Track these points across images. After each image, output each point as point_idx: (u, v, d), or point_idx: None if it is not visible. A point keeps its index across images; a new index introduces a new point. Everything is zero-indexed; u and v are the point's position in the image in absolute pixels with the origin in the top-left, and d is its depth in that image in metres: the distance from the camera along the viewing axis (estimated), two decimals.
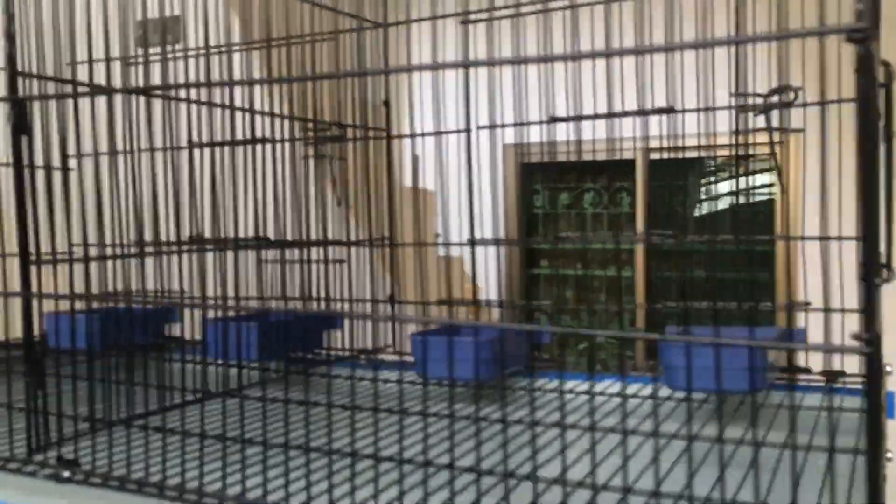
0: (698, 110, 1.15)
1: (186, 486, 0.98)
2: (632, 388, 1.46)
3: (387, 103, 1.77)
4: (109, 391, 1.19)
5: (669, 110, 1.26)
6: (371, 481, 0.93)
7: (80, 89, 1.13)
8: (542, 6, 1.52)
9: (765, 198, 4.26)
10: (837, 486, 0.81)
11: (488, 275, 4.45)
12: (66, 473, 1.03)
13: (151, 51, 2.09)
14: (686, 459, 0.89)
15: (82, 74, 1.21)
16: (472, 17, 1.63)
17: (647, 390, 1.45)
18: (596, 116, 1.18)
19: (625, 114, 1.29)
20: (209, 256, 1.35)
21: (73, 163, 1.25)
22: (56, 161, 1.10)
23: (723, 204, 4.41)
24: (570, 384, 1.51)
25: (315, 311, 1.80)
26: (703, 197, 4.57)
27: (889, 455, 0.75)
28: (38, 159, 1.10)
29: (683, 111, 1.45)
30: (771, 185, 4.26)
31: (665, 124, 1.19)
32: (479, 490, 0.90)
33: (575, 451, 1.04)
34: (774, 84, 1.40)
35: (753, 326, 1.53)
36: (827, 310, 1.17)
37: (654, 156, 4.26)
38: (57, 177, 1.11)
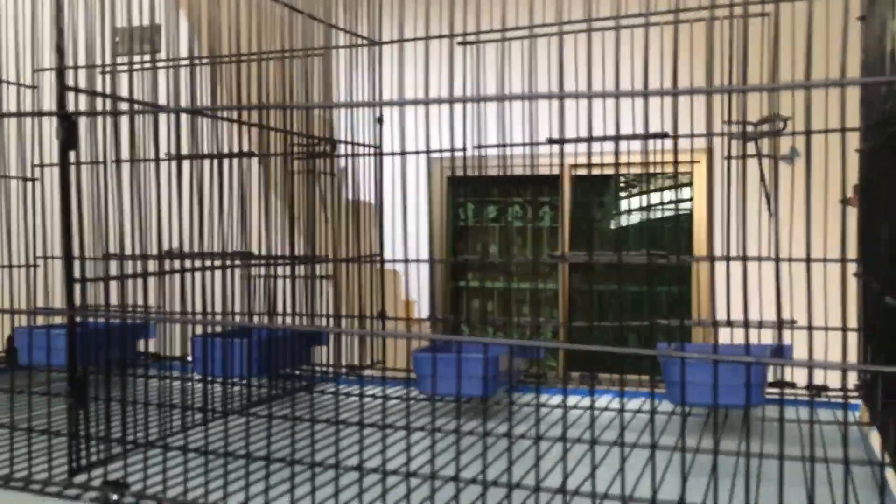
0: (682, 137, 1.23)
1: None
2: (634, 403, 1.53)
3: (380, 120, 1.79)
4: (136, 411, 1.18)
5: (664, 135, 1.34)
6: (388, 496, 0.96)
7: (133, 106, 1.12)
8: (529, 31, 1.58)
9: (686, 212, 4.47)
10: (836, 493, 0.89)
11: (420, 289, 4.52)
12: (115, 496, 1.02)
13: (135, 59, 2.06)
14: (680, 469, 0.95)
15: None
16: (462, 39, 1.68)
17: (647, 405, 1.52)
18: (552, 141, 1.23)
19: (631, 137, 1.36)
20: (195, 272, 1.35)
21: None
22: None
23: (637, 218, 4.59)
24: (571, 399, 1.57)
25: (321, 327, 1.80)
26: (619, 211, 4.73)
27: None
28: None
29: (676, 136, 1.53)
30: (690, 199, 4.47)
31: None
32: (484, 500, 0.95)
33: (576, 462, 1.10)
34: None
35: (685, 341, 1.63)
36: (812, 328, 1.27)
37: (579, 172, 4.37)
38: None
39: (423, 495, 0.99)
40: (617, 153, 1.13)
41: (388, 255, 1.99)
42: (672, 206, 4.40)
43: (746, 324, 1.51)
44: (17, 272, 2.01)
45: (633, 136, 1.27)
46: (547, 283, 5.13)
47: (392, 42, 1.73)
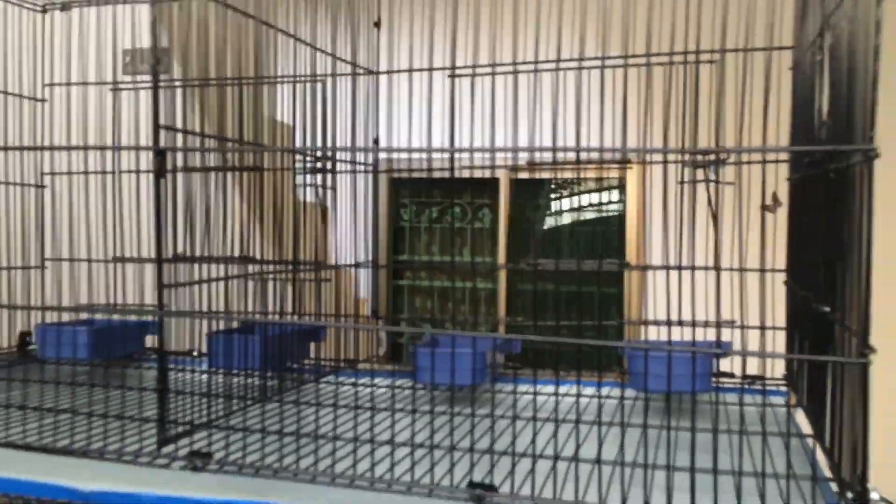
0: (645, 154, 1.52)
1: (313, 468, 1.22)
2: (604, 390, 1.81)
3: (376, 141, 2.03)
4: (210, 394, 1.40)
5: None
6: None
7: (210, 142, 1.34)
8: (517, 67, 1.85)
9: (615, 213, 4.84)
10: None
11: (369, 287, 4.75)
12: (200, 463, 1.24)
13: (140, 78, 2.25)
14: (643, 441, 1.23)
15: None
16: (458, 71, 1.94)
17: (616, 392, 1.80)
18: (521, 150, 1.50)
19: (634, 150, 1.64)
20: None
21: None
22: None
23: (569, 220, 4.94)
24: (548, 388, 1.84)
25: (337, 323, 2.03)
26: (554, 211, 5.06)
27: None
28: None
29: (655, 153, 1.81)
30: (620, 201, 4.84)
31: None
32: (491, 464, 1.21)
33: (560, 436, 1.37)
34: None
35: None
36: (758, 328, 1.57)
37: (520, 175, 4.65)
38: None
39: (442, 463, 1.25)
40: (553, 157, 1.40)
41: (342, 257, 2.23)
42: (605, 209, 4.76)
43: (694, 323, 1.80)
44: (26, 273, 2.19)
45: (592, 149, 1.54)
46: (486, 282, 5.43)
47: (389, 72, 1.98)
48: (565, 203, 5.13)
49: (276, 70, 1.93)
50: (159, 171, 1.22)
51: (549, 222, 5.10)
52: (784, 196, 1.80)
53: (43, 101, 2.20)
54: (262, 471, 1.23)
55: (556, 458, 1.23)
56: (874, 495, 1.02)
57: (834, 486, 1.17)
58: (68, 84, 2.18)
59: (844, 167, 1.09)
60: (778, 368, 1.85)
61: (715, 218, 1.90)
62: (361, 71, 1.96)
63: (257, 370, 1.81)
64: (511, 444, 1.35)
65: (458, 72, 1.87)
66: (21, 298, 2.14)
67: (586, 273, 1.99)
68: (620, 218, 4.94)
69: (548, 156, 2.43)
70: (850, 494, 1.03)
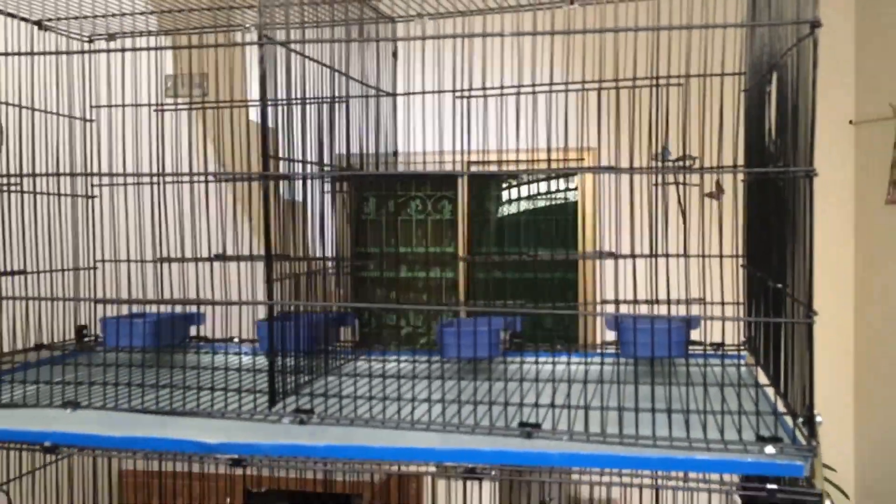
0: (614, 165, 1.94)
1: (395, 417, 1.61)
2: (596, 359, 2.23)
3: (396, 153, 2.41)
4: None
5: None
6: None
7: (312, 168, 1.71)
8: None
9: (570, 202, 5.35)
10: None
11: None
12: (304, 417, 1.62)
13: (182, 100, 2.60)
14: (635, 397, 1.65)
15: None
16: (467, 92, 2.34)
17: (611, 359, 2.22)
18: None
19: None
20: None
21: None
22: None
23: (526, 211, 5.43)
24: (551, 360, 2.25)
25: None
26: (508, 200, 5.53)
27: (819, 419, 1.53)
28: None
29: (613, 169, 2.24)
30: (575, 188, 5.33)
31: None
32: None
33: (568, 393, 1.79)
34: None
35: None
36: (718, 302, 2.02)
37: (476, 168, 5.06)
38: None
39: (490, 413, 1.65)
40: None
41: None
42: (560, 198, 5.23)
43: (669, 302, 2.23)
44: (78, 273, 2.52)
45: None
46: (446, 272, 5.88)
47: (406, 94, 2.37)
48: (522, 193, 5.58)
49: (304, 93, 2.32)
50: (266, 194, 1.59)
51: (507, 211, 5.52)
52: (740, 194, 2.24)
53: (91, 120, 2.52)
54: (355, 421, 1.62)
55: (583, 406, 1.64)
56: (818, 419, 1.45)
57: (788, 418, 1.60)
58: (113, 105, 2.51)
59: (791, 177, 1.52)
60: (736, 337, 2.29)
61: (683, 213, 2.33)
62: (383, 93, 2.34)
63: (306, 351, 2.19)
64: (536, 397, 1.76)
65: (465, 93, 2.28)
66: (75, 296, 2.47)
67: (543, 261, 2.41)
68: (574, 208, 5.43)
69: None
70: (800, 419, 1.46)
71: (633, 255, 2.19)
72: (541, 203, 5.57)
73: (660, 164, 2.29)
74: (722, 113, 2.16)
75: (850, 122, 4.29)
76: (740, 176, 2.23)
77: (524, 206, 5.72)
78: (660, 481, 1.63)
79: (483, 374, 2.09)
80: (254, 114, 2.45)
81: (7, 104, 2.22)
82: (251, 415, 1.68)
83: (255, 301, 1.79)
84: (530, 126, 2.20)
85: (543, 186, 5.60)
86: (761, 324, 1.91)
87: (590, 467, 1.50)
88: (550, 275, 5.25)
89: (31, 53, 2.15)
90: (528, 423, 1.56)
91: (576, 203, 5.52)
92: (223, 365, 2.14)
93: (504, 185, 5.65)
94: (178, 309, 2.47)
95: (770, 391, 1.82)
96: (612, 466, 1.48)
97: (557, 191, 5.62)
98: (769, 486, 1.46)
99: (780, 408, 1.66)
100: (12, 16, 2.25)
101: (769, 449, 1.44)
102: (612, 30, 1.60)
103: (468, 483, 3.47)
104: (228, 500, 4.05)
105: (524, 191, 5.64)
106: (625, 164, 2.58)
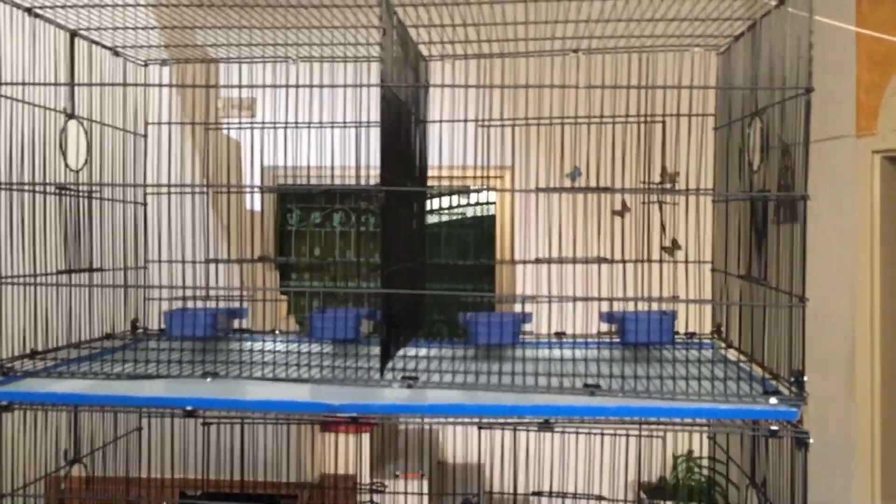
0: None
1: (484, 379, 2.09)
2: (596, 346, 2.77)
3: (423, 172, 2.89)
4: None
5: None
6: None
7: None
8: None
9: (490, 213, 5.97)
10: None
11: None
12: (411, 382, 2.08)
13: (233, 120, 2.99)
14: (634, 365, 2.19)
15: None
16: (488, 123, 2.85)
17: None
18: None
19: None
20: None
21: None
22: None
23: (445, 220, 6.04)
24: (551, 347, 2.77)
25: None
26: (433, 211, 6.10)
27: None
28: None
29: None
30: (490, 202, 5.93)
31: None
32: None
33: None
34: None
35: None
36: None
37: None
38: None
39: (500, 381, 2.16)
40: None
41: None
42: (479, 211, 5.85)
43: (665, 299, 2.80)
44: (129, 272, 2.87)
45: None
46: (368, 282, 6.34)
47: (433, 122, 2.85)
48: (442, 205, 6.15)
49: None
50: (385, 205, 2.05)
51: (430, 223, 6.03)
52: (709, 217, 2.83)
53: (145, 136, 2.88)
54: (452, 385, 2.09)
55: (620, 375, 2.17)
56: (805, 378, 2.03)
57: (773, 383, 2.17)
58: (164, 122, 2.88)
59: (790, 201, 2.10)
60: (706, 328, 2.88)
61: (663, 227, 2.91)
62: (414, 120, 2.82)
63: (356, 338, 2.63)
64: (575, 370, 2.27)
65: (487, 123, 2.80)
66: (130, 294, 2.82)
67: (464, 271, 2.94)
68: (489, 222, 6.04)
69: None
70: (793, 379, 2.03)
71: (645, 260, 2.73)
72: (459, 216, 6.14)
73: (571, 183, 2.87)
74: (700, 146, 2.75)
75: None
76: (710, 197, 2.82)
77: (444, 218, 6.26)
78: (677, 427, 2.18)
79: (507, 357, 2.59)
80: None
81: (80, 118, 2.56)
82: (367, 380, 2.12)
83: (374, 290, 2.22)
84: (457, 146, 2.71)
85: (465, 199, 6.18)
86: (740, 314, 2.48)
87: (641, 417, 2.03)
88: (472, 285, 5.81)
89: (104, 84, 2.52)
90: (590, 384, 2.07)
91: (492, 217, 6.13)
92: (294, 350, 2.56)
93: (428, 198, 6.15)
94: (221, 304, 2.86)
95: (744, 367, 2.40)
96: (658, 416, 2.02)
97: (477, 203, 6.21)
98: (772, 427, 2.02)
99: (761, 375, 2.23)
100: (95, 42, 2.61)
101: (773, 400, 2.00)
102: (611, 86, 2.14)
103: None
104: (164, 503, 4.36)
105: (445, 203, 6.18)
106: (540, 183, 3.14)
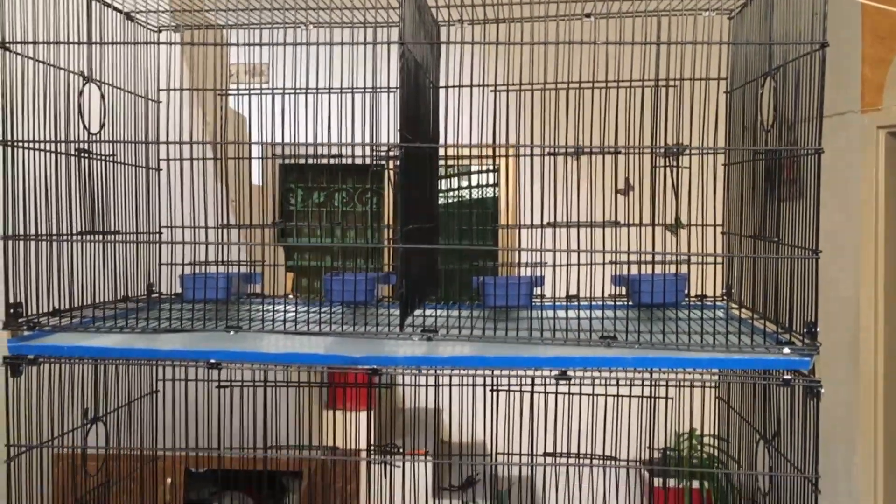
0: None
1: (502, 331, 2.17)
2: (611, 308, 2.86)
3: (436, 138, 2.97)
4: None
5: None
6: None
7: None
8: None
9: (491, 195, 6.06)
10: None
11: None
12: (431, 335, 2.16)
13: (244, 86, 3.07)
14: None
15: None
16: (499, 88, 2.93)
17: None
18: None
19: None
20: None
21: None
22: None
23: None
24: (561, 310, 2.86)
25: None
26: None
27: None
28: None
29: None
30: (495, 185, 6.04)
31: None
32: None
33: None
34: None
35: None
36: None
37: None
38: None
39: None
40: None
41: None
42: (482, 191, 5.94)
43: (672, 260, 2.89)
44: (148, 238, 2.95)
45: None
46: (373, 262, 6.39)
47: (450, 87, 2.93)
48: (446, 185, 6.25)
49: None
50: (406, 165, 2.13)
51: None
52: (720, 178, 2.92)
53: (158, 101, 2.96)
54: (471, 338, 2.18)
55: (636, 330, 2.26)
56: (817, 330, 2.12)
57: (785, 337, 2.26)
58: (175, 89, 2.96)
59: (798, 157, 2.19)
60: (716, 291, 2.97)
61: (676, 192, 3.00)
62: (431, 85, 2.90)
63: (369, 301, 2.72)
64: (586, 324, 2.36)
65: (499, 88, 2.88)
66: (144, 259, 2.90)
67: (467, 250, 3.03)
68: (492, 203, 6.13)
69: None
70: (805, 329, 2.12)
71: (619, 224, 2.82)
72: (465, 196, 6.23)
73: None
74: (706, 108, 2.84)
75: None
76: (721, 160, 2.91)
77: (450, 199, 6.35)
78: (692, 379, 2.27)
79: (523, 318, 2.68)
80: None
81: (95, 81, 2.63)
82: (386, 334, 2.21)
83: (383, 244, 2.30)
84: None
85: (467, 181, 6.27)
86: (753, 270, 2.57)
87: (657, 368, 2.12)
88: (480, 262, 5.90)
89: (119, 43, 2.60)
90: (607, 335, 2.16)
91: (494, 199, 6.23)
92: (315, 313, 2.65)
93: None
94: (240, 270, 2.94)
95: (757, 326, 2.49)
96: (675, 367, 2.11)
97: (479, 186, 6.30)
98: (786, 376, 2.11)
99: (774, 331, 2.32)
100: (108, 5, 2.68)
101: (786, 350, 2.09)
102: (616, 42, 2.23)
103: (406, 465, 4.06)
104: (169, 480, 4.44)
105: (453, 183, 6.27)
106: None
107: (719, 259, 2.83)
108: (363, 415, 4.79)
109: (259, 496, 4.74)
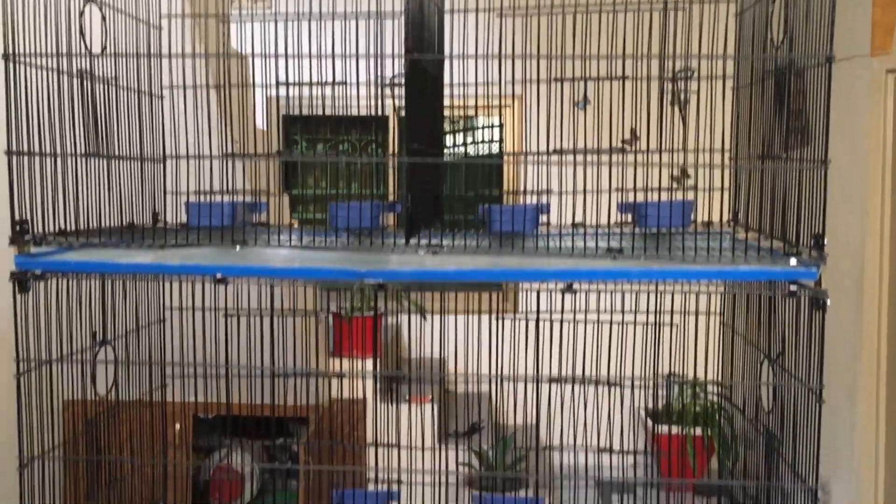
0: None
1: (508, 248, 2.18)
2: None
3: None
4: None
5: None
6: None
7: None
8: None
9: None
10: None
11: None
12: (436, 250, 2.18)
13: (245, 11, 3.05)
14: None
15: None
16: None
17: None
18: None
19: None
20: None
21: None
22: None
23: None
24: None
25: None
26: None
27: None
28: None
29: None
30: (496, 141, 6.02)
31: None
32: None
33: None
34: None
35: None
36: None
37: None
38: None
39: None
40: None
41: None
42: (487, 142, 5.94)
43: (677, 187, 2.89)
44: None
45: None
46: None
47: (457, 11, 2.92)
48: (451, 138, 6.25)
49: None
50: (412, 81, 2.13)
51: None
52: (727, 101, 2.91)
53: (160, 28, 2.95)
54: (477, 250, 2.19)
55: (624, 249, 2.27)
56: (826, 241, 2.12)
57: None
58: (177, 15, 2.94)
59: (803, 71, 2.18)
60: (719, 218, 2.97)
61: (683, 118, 2.99)
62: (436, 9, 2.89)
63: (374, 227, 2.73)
64: (597, 241, 2.37)
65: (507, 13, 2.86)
66: (149, 187, 2.91)
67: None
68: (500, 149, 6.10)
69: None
70: (812, 241, 2.12)
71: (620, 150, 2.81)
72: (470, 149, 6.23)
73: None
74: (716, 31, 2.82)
75: None
76: (730, 84, 2.90)
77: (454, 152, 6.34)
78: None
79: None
80: None
81: (96, 2, 2.63)
82: (393, 247, 2.22)
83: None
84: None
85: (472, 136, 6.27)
86: (761, 189, 2.57)
87: (663, 279, 2.13)
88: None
89: None
90: (613, 248, 2.17)
91: (499, 154, 6.21)
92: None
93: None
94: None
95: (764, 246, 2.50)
96: (680, 278, 2.12)
97: (482, 141, 6.29)
98: (791, 287, 2.12)
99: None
100: None
101: (792, 261, 2.10)
102: None
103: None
104: (178, 425, 4.47)
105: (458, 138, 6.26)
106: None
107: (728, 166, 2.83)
108: (369, 362, 4.81)
109: (266, 445, 4.79)
